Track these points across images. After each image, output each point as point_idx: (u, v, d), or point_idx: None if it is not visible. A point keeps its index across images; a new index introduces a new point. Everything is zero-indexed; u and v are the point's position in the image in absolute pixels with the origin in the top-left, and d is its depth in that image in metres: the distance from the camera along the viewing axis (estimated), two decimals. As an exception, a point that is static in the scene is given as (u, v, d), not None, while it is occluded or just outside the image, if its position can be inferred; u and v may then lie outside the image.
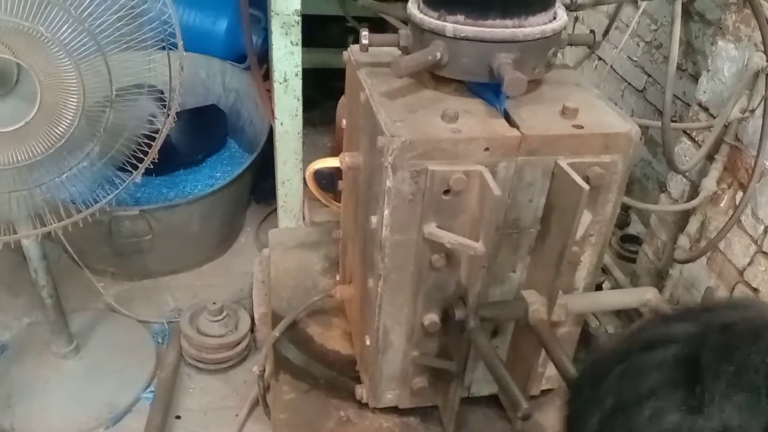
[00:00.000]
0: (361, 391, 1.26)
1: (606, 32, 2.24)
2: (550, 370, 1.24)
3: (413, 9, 1.07)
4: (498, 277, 1.09)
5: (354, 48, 1.20)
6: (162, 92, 1.62)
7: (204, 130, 2.77)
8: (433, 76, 1.09)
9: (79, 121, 1.45)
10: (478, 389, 1.26)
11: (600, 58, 2.90)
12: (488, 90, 1.07)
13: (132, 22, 1.44)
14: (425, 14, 1.04)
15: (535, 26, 1.01)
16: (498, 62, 0.99)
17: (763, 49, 1.54)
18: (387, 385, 1.22)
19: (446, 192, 0.97)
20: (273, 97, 1.83)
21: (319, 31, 2.37)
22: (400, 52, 1.11)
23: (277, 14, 1.64)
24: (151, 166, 1.66)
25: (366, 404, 1.28)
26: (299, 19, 1.66)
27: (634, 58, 2.64)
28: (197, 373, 2.09)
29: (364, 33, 1.10)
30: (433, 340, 1.15)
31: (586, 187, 0.92)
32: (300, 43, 1.70)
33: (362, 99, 1.09)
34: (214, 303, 2.04)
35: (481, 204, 0.96)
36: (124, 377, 2.02)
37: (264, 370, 1.46)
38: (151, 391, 1.99)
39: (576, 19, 2.99)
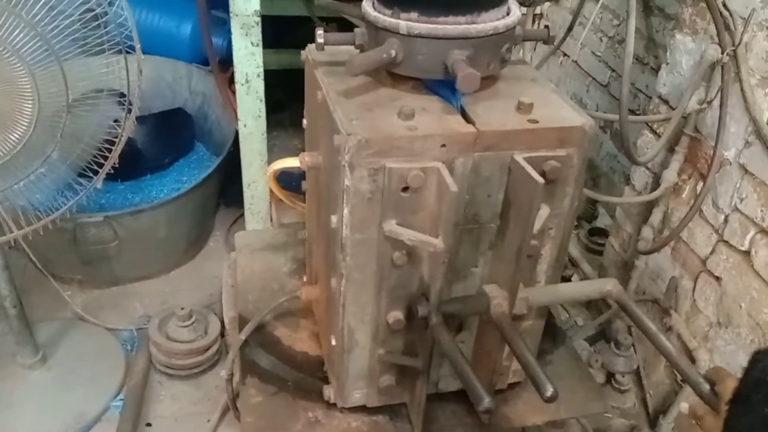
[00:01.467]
0: (329, 392, 1.26)
1: (570, 28, 2.27)
2: (517, 364, 1.25)
3: (368, 7, 1.07)
4: (460, 272, 1.10)
5: (311, 47, 1.20)
6: (124, 96, 1.60)
7: (171, 134, 2.74)
8: (390, 75, 1.09)
9: (35, 128, 1.43)
10: (446, 385, 1.27)
11: (565, 54, 2.93)
12: (444, 87, 1.07)
13: (87, 25, 1.42)
14: (380, 12, 1.04)
15: (488, 22, 1.02)
16: (452, 59, 1.00)
17: (717, 41, 1.57)
18: (354, 385, 1.21)
19: (404, 189, 0.97)
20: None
21: (288, 33, 2.36)
22: (358, 51, 1.11)
23: (237, 15, 1.63)
24: (116, 171, 1.63)
25: (334, 404, 1.27)
26: (259, 19, 1.65)
27: (598, 53, 2.67)
28: (167, 379, 2.07)
29: (319, 32, 1.10)
30: (399, 338, 1.15)
31: (541, 180, 0.93)
32: (260, 44, 1.69)
33: (319, 98, 1.09)
34: (183, 308, 2.02)
35: (439, 200, 0.97)
36: (92, 386, 1.99)
37: (232, 375, 1.45)
38: (121, 400, 1.96)
39: (540, 15, 3.02)
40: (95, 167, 1.61)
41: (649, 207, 1.93)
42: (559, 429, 1.54)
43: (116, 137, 1.63)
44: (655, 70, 2.20)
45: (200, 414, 1.96)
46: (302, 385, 1.34)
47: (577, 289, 1.28)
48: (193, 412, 1.97)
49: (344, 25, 2.16)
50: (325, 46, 1.09)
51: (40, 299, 2.24)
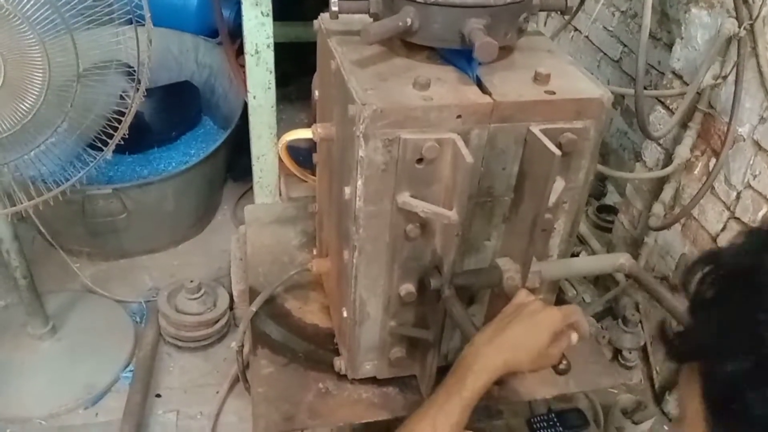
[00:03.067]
0: (340, 363, 1.26)
1: (582, 1, 2.24)
2: (526, 337, 1.25)
3: (383, -25, 1.05)
4: (473, 245, 1.09)
5: (324, 16, 1.18)
6: (132, 68, 1.59)
7: (177, 107, 2.72)
8: (405, 44, 1.07)
9: (45, 98, 1.42)
10: (456, 358, 1.27)
11: (576, 29, 2.90)
12: (460, 56, 1.05)
13: (97, -6, 1.40)
14: (396, -21, 1.02)
15: (506, -9, 1.00)
16: (469, 28, 0.98)
17: (734, 15, 1.55)
18: (365, 357, 1.22)
19: (419, 161, 0.96)
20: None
21: (295, 5, 2.33)
22: (371, 20, 1.10)
23: (248, -15, 1.61)
24: (124, 144, 1.63)
25: (345, 376, 1.28)
26: (270, -11, 1.63)
27: (610, 28, 2.64)
28: (176, 351, 2.08)
29: (334, 0, 1.08)
30: (410, 310, 1.15)
31: (558, 152, 0.92)
32: (271, 14, 1.67)
33: (333, 68, 1.08)
34: (192, 281, 2.02)
35: (454, 172, 0.96)
36: (102, 358, 2.01)
37: (242, 346, 1.46)
38: (130, 371, 1.98)
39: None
40: (105, 139, 1.60)
41: (660, 183, 1.92)
42: (567, 403, 1.55)
43: (125, 109, 1.62)
44: (668, 46, 2.18)
45: (209, 386, 1.98)
46: (313, 357, 1.35)
47: (590, 263, 1.27)
48: (203, 384, 1.99)
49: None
50: (339, 15, 1.08)
51: (49, 271, 2.25)
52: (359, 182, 0.99)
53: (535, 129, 0.97)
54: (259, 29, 1.70)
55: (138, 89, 1.57)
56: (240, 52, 2.32)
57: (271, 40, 1.73)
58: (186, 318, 2.02)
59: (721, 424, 0.58)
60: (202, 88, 2.87)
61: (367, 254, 1.07)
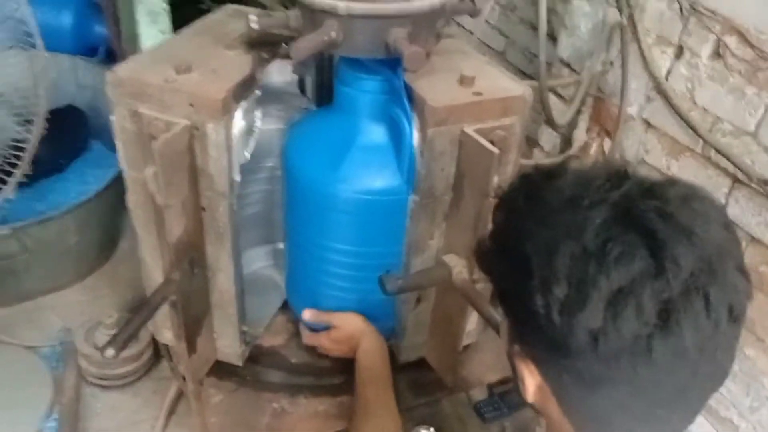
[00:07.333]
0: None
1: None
2: (470, 326, 1.31)
3: (302, -11, 1.05)
4: (419, 246, 1.13)
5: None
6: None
7: (63, 133, 2.55)
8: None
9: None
10: (406, 356, 1.31)
11: (459, 24, 3.00)
12: (385, 66, 1.08)
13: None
14: (315, -6, 1.03)
15: (425, -1, 1.04)
16: (393, 37, 1.01)
17: (615, 4, 1.68)
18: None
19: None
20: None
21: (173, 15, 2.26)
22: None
23: (142, 2, 1.55)
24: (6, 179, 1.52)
25: (298, 391, 1.28)
26: (167, 6, 1.58)
27: (491, 22, 2.76)
28: (102, 391, 1.96)
29: (253, 17, 1.07)
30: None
31: (496, 151, 0.97)
32: (171, 31, 1.62)
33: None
34: (110, 316, 1.92)
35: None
36: (19, 411, 1.86)
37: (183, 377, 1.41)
38: (55, 419, 1.85)
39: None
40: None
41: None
42: (506, 385, 1.62)
43: (15, 142, 1.51)
44: (549, 35, 2.31)
45: (143, 421, 1.88)
46: (261, 377, 1.33)
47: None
48: (136, 421, 1.89)
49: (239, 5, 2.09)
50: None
51: (-58, 326, 2.05)
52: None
53: (469, 130, 1.01)
54: (158, 48, 1.64)
55: (32, 121, 1.48)
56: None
57: (172, 59, 1.67)
58: (107, 355, 1.91)
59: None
60: (87, 110, 2.72)
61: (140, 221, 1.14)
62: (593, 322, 0.59)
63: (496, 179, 1.08)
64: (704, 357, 0.60)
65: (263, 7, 2.48)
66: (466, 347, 1.39)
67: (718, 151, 1.50)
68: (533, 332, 0.66)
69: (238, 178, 1.11)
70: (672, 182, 0.66)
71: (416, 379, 1.35)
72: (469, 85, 1.06)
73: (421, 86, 1.05)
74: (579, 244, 0.61)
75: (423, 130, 1.05)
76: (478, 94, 1.04)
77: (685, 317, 0.58)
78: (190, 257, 1.11)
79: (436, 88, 1.05)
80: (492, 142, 1.02)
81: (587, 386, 0.63)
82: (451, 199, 1.10)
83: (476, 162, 1.01)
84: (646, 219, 0.60)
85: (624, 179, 0.65)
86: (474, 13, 1.23)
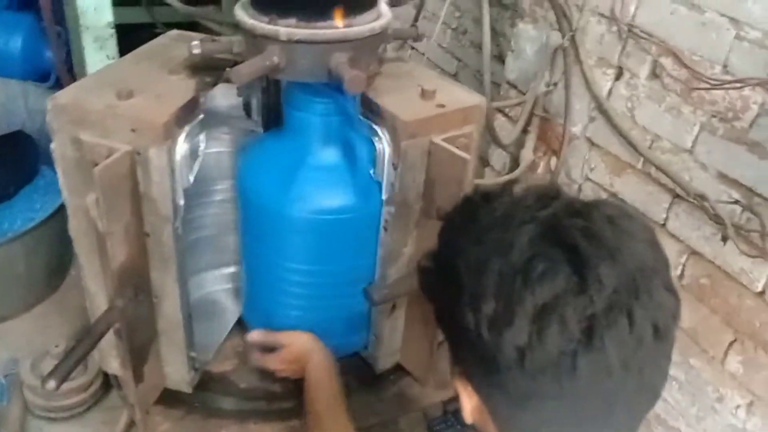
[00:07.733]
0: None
1: (414, 21, 2.38)
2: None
3: (243, 15, 1.06)
4: (393, 255, 1.16)
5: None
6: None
7: (12, 160, 2.51)
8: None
9: None
10: (383, 363, 1.33)
11: (413, 48, 3.05)
12: (334, 89, 1.10)
13: None
14: (256, 20, 1.04)
15: (364, 24, 1.06)
16: (334, 62, 1.03)
17: (557, 27, 1.73)
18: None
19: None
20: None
21: (124, 40, 2.25)
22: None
23: (88, 28, 1.54)
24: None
25: (247, 415, 1.27)
26: (113, 31, 1.57)
27: (444, 45, 2.82)
28: (49, 424, 1.90)
29: (195, 43, 1.08)
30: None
31: (468, 157, 1.02)
32: (117, 56, 1.61)
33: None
34: (57, 345, 1.87)
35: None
36: (-40, 447, 1.80)
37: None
38: (-2, 455, 1.79)
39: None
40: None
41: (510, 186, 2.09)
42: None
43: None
44: (498, 57, 2.37)
45: (92, 453, 1.84)
46: (210, 404, 1.31)
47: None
48: (85, 453, 1.84)
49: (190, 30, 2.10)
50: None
51: None
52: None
53: (437, 140, 1.05)
54: (105, 73, 1.63)
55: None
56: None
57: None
58: (55, 386, 1.86)
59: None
60: (37, 136, 2.67)
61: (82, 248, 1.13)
62: (520, 338, 0.60)
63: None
64: (630, 373, 0.61)
65: (215, 33, 2.49)
66: (441, 343, 1.41)
67: (657, 167, 1.55)
68: (466, 350, 0.67)
69: (181, 202, 1.11)
70: (601, 203, 0.68)
71: (368, 400, 1.35)
72: (431, 99, 1.11)
73: (389, 103, 1.09)
74: (507, 262, 0.62)
75: (396, 143, 1.09)
76: (441, 106, 1.09)
77: (608, 333, 0.60)
78: (134, 283, 1.10)
79: (403, 103, 1.09)
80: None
81: (516, 402, 0.64)
82: (421, 207, 1.14)
83: (447, 169, 1.06)
84: (570, 237, 0.62)
85: (553, 199, 0.67)
86: (417, 38, 1.26)
